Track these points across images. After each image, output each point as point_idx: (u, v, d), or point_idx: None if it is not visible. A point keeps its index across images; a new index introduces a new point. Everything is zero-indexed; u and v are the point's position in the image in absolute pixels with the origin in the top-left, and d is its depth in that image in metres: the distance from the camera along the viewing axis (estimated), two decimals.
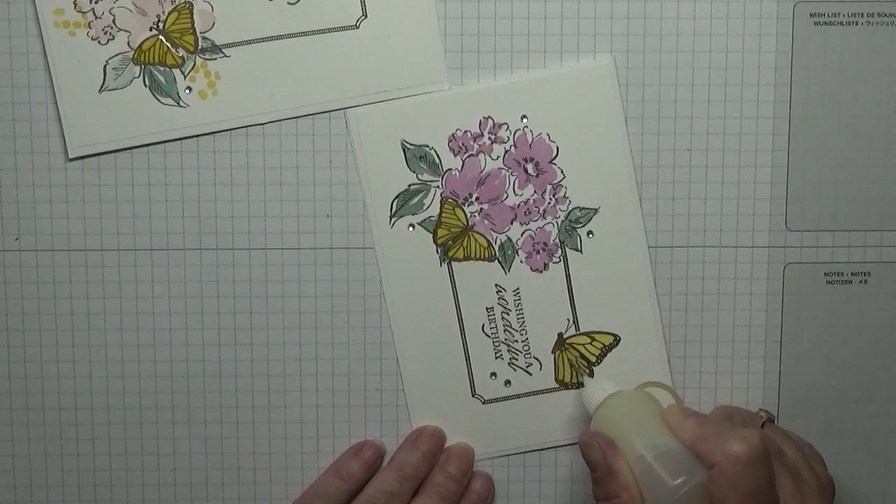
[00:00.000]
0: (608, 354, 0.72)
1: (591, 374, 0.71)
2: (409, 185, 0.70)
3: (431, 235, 0.71)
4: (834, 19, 0.70)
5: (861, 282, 0.72)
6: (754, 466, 0.60)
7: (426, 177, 0.70)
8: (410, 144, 0.70)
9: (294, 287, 0.71)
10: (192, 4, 0.69)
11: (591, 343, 0.72)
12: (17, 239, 0.70)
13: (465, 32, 0.70)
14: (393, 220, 0.70)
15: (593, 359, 0.72)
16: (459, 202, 0.70)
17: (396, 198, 0.70)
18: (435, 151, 0.70)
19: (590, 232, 0.71)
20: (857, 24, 0.70)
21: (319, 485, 0.71)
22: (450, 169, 0.70)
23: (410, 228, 0.71)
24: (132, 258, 0.71)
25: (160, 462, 0.72)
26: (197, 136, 0.70)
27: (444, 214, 0.70)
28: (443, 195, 0.70)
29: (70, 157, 0.70)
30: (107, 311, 0.71)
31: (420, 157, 0.70)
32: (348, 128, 0.70)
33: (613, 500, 0.63)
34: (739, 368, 0.72)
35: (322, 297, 0.71)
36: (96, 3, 0.69)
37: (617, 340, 0.72)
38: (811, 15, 0.69)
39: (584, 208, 0.71)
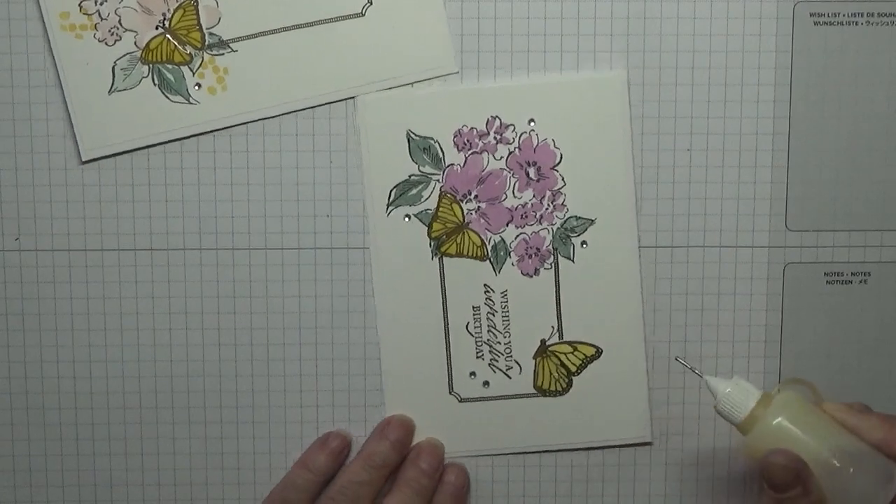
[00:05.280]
0: (588, 366, 0.71)
1: (571, 385, 0.71)
2: (410, 176, 0.70)
3: (426, 228, 0.71)
4: (834, 19, 0.70)
5: (861, 282, 0.72)
6: None
7: (427, 169, 0.70)
8: (416, 135, 0.70)
9: (294, 287, 0.71)
10: (196, 1, 0.69)
11: (573, 353, 0.71)
12: (16, 239, 0.70)
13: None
14: (390, 208, 0.70)
15: (574, 368, 0.71)
16: (458, 198, 0.70)
17: (395, 187, 0.70)
18: (439, 144, 0.70)
19: (584, 242, 0.71)
20: (857, 24, 0.70)
21: (288, 479, 0.71)
22: (452, 164, 0.70)
23: (406, 219, 0.71)
24: (132, 258, 0.71)
25: (160, 462, 0.72)
26: (208, 132, 0.70)
27: (441, 209, 0.70)
28: (442, 189, 0.70)
29: (83, 159, 0.69)
30: (107, 311, 0.71)
31: (424, 148, 0.70)
32: (356, 114, 0.70)
33: None
34: (739, 368, 0.72)
35: (322, 297, 0.71)
36: (101, 4, 0.69)
37: (599, 352, 0.71)
38: (811, 15, 0.70)
39: (580, 218, 0.71)
